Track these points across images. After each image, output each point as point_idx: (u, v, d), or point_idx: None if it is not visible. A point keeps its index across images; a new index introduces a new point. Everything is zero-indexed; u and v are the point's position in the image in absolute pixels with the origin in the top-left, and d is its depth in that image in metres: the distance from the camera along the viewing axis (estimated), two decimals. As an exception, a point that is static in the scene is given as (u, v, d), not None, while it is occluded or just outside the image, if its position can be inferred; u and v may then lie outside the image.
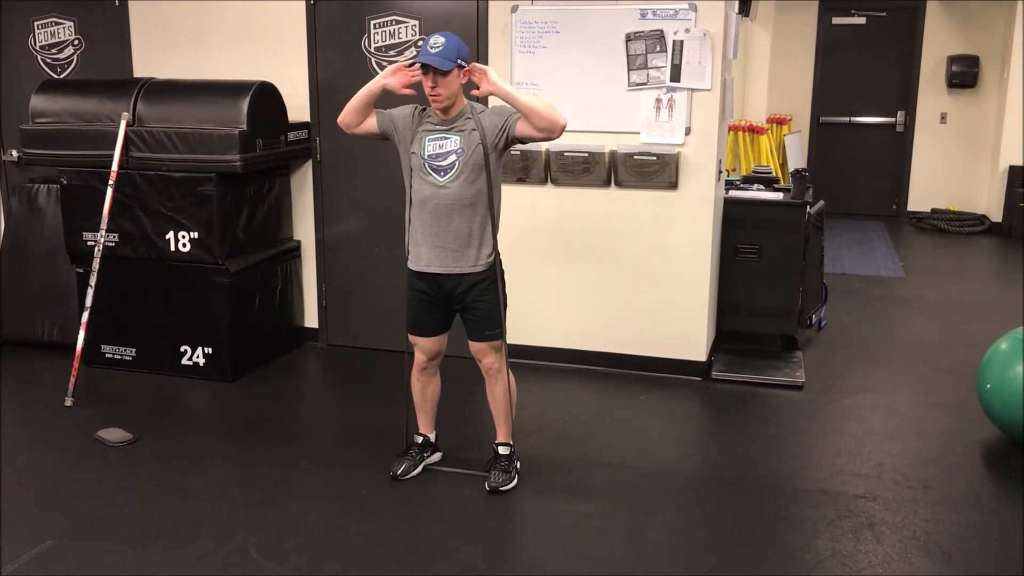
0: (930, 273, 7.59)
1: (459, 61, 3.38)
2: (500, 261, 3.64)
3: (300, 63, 5.23)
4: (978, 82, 9.58)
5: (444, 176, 3.47)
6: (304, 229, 5.46)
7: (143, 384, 4.93)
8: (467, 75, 3.43)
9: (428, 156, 3.48)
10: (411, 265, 3.62)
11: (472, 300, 3.58)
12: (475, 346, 3.66)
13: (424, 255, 3.56)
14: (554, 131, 3.39)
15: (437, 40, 3.38)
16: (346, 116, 3.61)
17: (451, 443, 4.03)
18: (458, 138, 3.46)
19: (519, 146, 4.85)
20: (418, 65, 3.41)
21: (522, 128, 3.41)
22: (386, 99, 3.58)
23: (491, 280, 3.58)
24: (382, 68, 5.07)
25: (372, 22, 5.08)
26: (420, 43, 4.99)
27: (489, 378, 3.70)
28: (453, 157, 3.46)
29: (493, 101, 3.85)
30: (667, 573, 3.15)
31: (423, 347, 3.72)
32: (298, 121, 5.21)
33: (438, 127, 3.49)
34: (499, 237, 3.63)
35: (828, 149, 10.34)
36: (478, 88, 3.44)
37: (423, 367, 3.77)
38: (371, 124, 3.60)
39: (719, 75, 4.63)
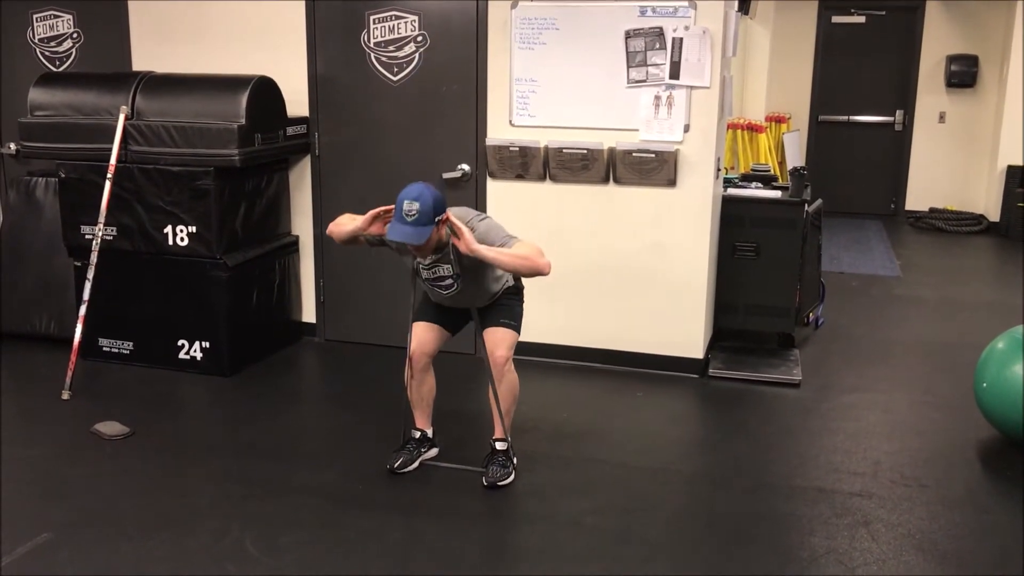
0: (927, 272, 7.60)
1: (436, 220, 3.32)
2: (520, 282, 3.80)
3: (299, 58, 5.23)
4: (977, 82, 9.59)
5: (447, 291, 3.60)
6: (302, 224, 5.46)
7: (140, 378, 4.93)
8: (445, 224, 3.38)
9: (426, 279, 3.61)
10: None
11: (490, 306, 3.71)
12: (490, 334, 3.66)
13: (441, 303, 3.73)
14: (541, 275, 3.46)
15: (411, 207, 3.26)
16: (333, 236, 3.66)
17: (448, 439, 4.03)
18: (449, 265, 3.52)
19: (518, 143, 4.88)
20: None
21: None
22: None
23: (509, 294, 3.72)
24: (381, 64, 5.09)
25: (371, 17, 5.07)
26: (420, 39, 4.98)
27: (496, 372, 3.68)
28: (450, 280, 3.56)
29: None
30: (662, 570, 3.16)
31: (422, 338, 3.72)
32: (297, 116, 5.20)
33: (429, 258, 3.52)
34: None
35: (827, 148, 10.34)
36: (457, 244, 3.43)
37: (416, 362, 3.76)
38: (359, 242, 3.63)
39: (718, 73, 4.63)
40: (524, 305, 3.80)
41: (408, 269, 3.69)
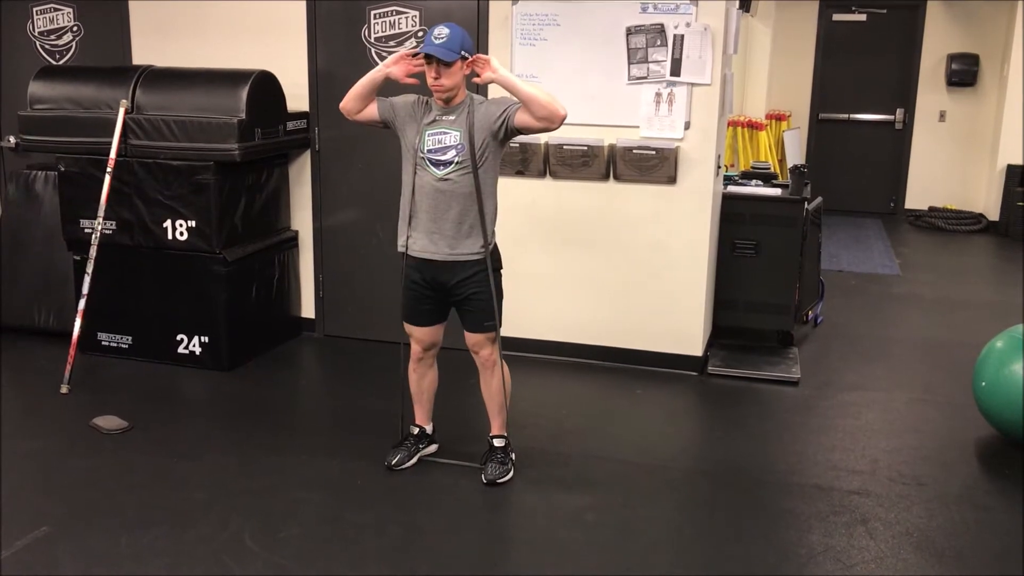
0: (927, 271, 7.60)
1: (463, 52, 3.38)
2: (498, 253, 3.65)
3: (300, 52, 5.22)
4: (977, 81, 9.58)
5: (442, 169, 3.47)
6: (302, 219, 5.45)
7: (139, 372, 4.93)
8: (470, 66, 3.43)
9: (427, 150, 3.48)
10: (405, 250, 3.61)
11: (468, 292, 3.57)
12: (471, 338, 3.66)
13: (419, 241, 3.55)
14: (554, 121, 3.38)
15: (442, 31, 3.37)
16: (348, 103, 3.60)
17: (447, 435, 4.03)
18: (457, 133, 3.46)
19: (518, 139, 4.86)
20: (421, 55, 3.40)
21: (521, 118, 3.40)
22: (389, 88, 3.57)
23: (486, 271, 3.57)
24: (382, 59, 5.07)
25: (372, 12, 5.06)
26: (420, 34, 4.99)
27: (484, 370, 3.71)
28: (452, 152, 3.46)
29: (493, 91, 3.84)
30: (661, 566, 3.16)
31: (418, 337, 3.73)
32: (297, 111, 5.20)
33: (438, 119, 3.48)
34: (498, 229, 3.63)
35: (827, 146, 10.34)
36: (479, 76, 3.44)
37: (419, 358, 3.77)
38: (372, 111, 3.59)
39: (719, 70, 4.63)
40: (508, 287, 3.72)
41: (406, 169, 3.57)
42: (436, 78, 3.38)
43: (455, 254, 3.53)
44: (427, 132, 3.49)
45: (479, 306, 3.59)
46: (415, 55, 3.46)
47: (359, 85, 3.55)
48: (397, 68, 3.50)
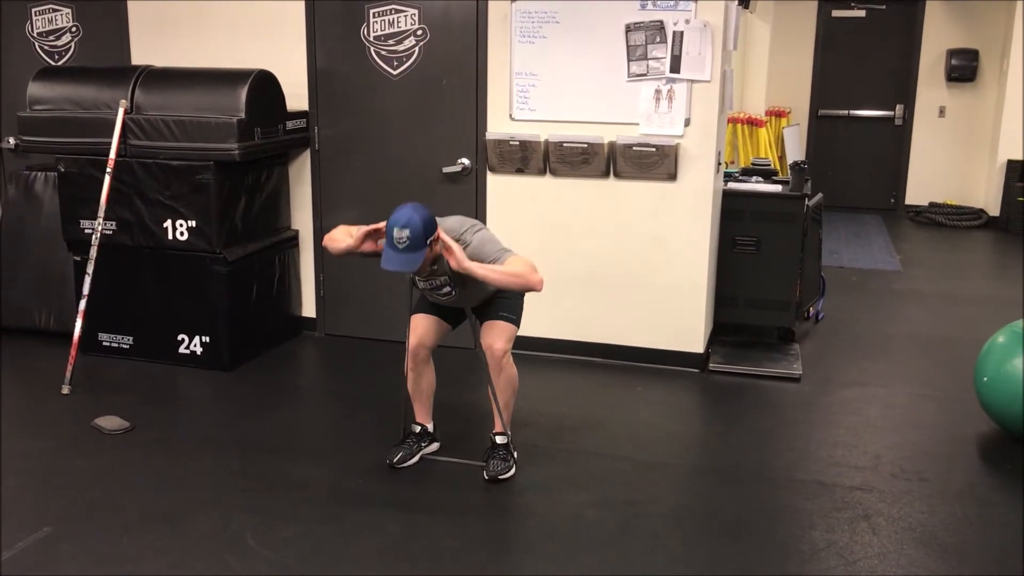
0: (927, 267, 7.60)
1: (428, 242, 3.30)
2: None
3: (299, 52, 5.22)
4: (977, 76, 9.58)
5: (446, 297, 3.62)
6: (302, 218, 5.45)
7: (140, 372, 4.93)
8: (437, 243, 3.35)
9: (424, 289, 3.63)
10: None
11: (490, 300, 3.70)
12: (488, 327, 3.66)
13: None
14: (533, 291, 3.44)
15: (402, 233, 3.24)
16: (328, 248, 3.64)
17: (448, 433, 4.03)
18: (445, 277, 3.54)
19: (518, 137, 4.87)
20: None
21: None
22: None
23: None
24: (381, 57, 5.09)
25: (371, 11, 5.06)
26: (420, 32, 4.98)
27: (494, 365, 3.67)
28: (447, 289, 3.58)
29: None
30: (663, 563, 3.16)
31: (420, 331, 3.72)
32: (297, 110, 5.20)
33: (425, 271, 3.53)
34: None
35: (827, 142, 10.34)
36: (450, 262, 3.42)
37: (415, 356, 3.76)
38: (357, 251, 3.59)
39: (719, 66, 4.62)
40: (524, 298, 3.79)
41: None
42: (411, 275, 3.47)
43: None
44: (418, 278, 3.59)
45: (499, 303, 3.68)
46: (379, 237, 3.43)
47: (335, 248, 3.58)
48: (367, 245, 3.49)
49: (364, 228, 3.47)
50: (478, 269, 3.33)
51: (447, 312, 3.76)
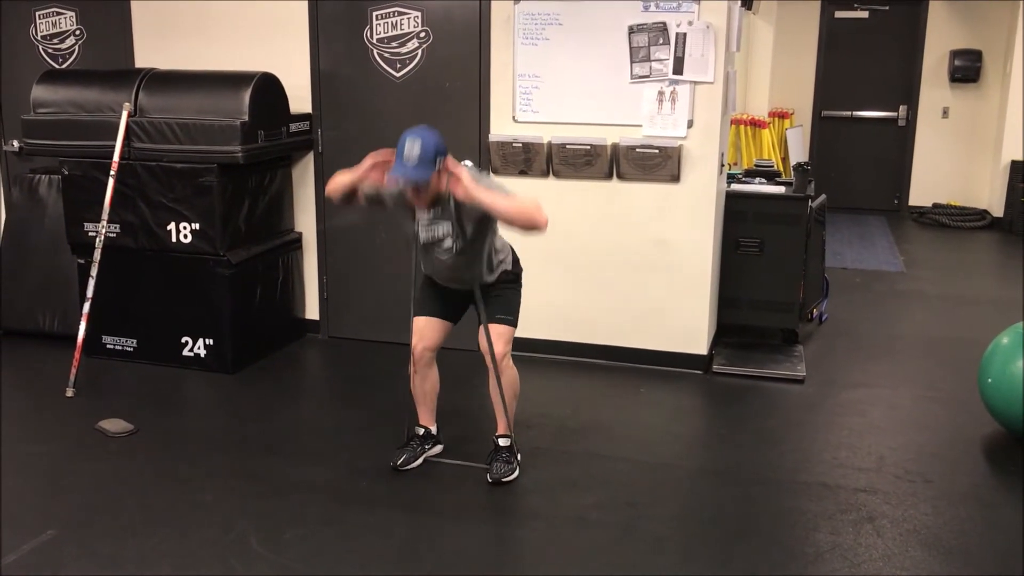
0: (931, 268, 7.59)
1: (436, 163, 3.29)
2: (519, 267, 3.75)
3: (302, 54, 5.22)
4: (980, 77, 9.57)
5: (445, 254, 3.55)
6: (305, 221, 5.45)
7: (144, 375, 4.93)
8: (446, 170, 3.34)
9: (424, 242, 3.55)
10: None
11: (488, 296, 3.65)
12: (491, 330, 3.64)
13: (440, 280, 3.68)
14: (535, 231, 3.36)
15: (412, 150, 3.24)
16: (332, 195, 3.61)
17: (452, 435, 4.03)
18: (448, 223, 3.47)
19: (521, 139, 4.87)
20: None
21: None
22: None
23: (507, 283, 3.67)
24: (384, 60, 5.09)
25: (374, 13, 5.06)
26: (423, 35, 4.98)
27: (494, 369, 3.69)
28: (448, 241, 3.51)
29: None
30: (667, 565, 3.16)
31: (424, 333, 3.71)
32: (300, 112, 5.20)
33: (426, 215, 3.50)
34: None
35: (830, 143, 10.33)
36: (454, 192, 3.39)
37: (419, 357, 3.75)
38: (358, 198, 3.58)
39: (722, 68, 4.62)
40: (523, 292, 3.76)
41: (408, 241, 3.63)
42: (417, 195, 3.37)
43: (476, 285, 3.62)
44: (420, 226, 3.53)
45: (496, 303, 3.65)
46: (386, 169, 3.39)
47: (339, 184, 3.54)
48: (373, 174, 3.45)
49: (370, 156, 3.43)
50: (485, 196, 3.28)
51: (448, 307, 3.72)
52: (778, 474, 3.83)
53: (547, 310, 5.09)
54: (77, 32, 5.74)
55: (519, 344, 4.89)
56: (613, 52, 4.72)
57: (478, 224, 3.46)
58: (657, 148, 4.71)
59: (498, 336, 3.63)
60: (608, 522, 3.42)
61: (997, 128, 9.44)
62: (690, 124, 4.69)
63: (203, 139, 4.71)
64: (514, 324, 3.69)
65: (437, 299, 3.73)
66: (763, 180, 5.57)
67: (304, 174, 5.40)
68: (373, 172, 3.44)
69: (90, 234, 4.95)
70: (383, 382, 4.80)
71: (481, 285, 3.61)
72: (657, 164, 4.74)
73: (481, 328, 3.66)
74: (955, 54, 9.56)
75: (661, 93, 4.69)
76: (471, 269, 3.58)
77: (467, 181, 3.27)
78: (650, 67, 4.69)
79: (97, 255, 4.76)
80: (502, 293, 3.67)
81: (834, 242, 8.12)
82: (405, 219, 3.59)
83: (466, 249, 3.51)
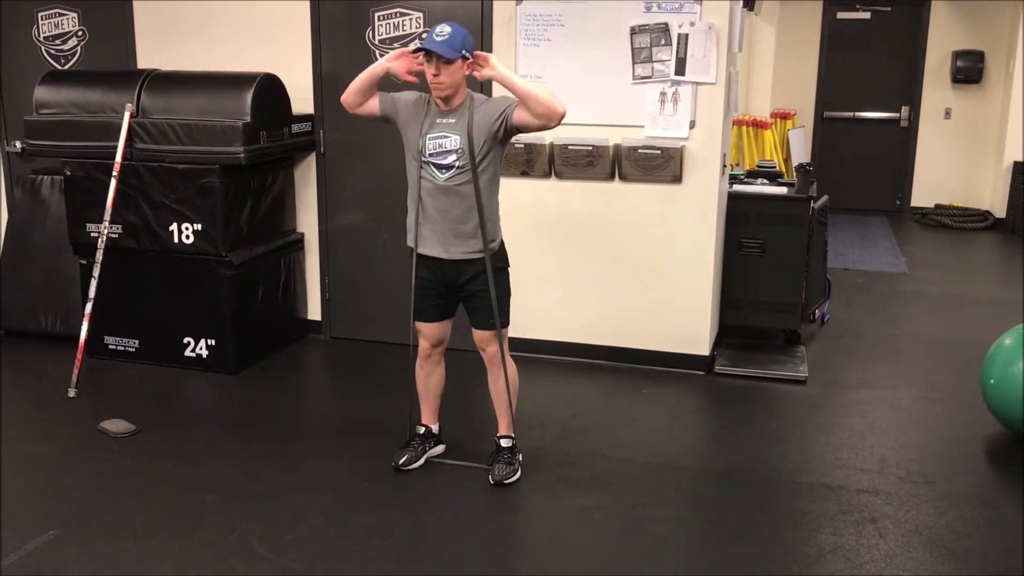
0: (933, 269, 7.58)
1: (463, 52, 3.37)
2: (504, 251, 3.65)
3: (304, 55, 5.23)
4: (983, 78, 9.56)
5: (444, 173, 3.47)
6: (307, 221, 5.46)
7: (146, 375, 4.94)
8: (470, 67, 3.42)
9: (429, 154, 3.48)
10: (414, 246, 3.62)
11: (474, 289, 3.59)
12: (478, 335, 3.66)
13: (428, 240, 3.57)
14: (552, 118, 3.36)
15: (443, 29, 3.37)
16: (348, 96, 3.60)
17: (454, 436, 4.03)
18: (457, 137, 3.44)
19: (523, 139, 4.87)
20: (422, 53, 3.40)
21: (520, 115, 3.39)
22: (390, 85, 3.58)
23: (494, 269, 3.58)
24: (386, 60, 5.08)
25: (376, 14, 5.07)
26: (424, 35, 4.98)
27: (491, 368, 3.71)
28: (453, 157, 3.45)
29: (498, 90, 3.83)
30: (669, 566, 3.15)
31: (427, 334, 3.72)
32: (302, 113, 5.20)
33: (438, 122, 3.48)
34: (504, 229, 3.63)
35: (832, 144, 10.32)
36: (478, 72, 3.43)
37: (427, 355, 3.77)
38: (373, 106, 3.59)
39: (724, 69, 4.62)
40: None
41: (409, 172, 3.57)
42: (436, 75, 3.37)
43: (461, 253, 3.54)
44: (428, 135, 3.48)
45: (484, 304, 3.60)
46: (416, 52, 3.45)
47: (359, 80, 3.55)
48: (398, 64, 3.50)
49: (397, 50, 3.52)
50: (509, 75, 3.40)
51: (442, 303, 3.67)
52: (780, 475, 3.82)
53: (549, 311, 5.09)
54: (79, 33, 5.74)
55: (520, 345, 4.91)
56: (615, 53, 4.72)
57: (487, 144, 3.44)
58: (659, 149, 4.71)
59: (490, 338, 3.64)
60: (610, 523, 3.42)
61: (999, 129, 9.43)
62: (692, 125, 4.69)
63: (205, 140, 4.72)
64: (505, 324, 3.67)
65: (432, 298, 3.67)
66: (765, 181, 5.56)
67: (306, 175, 5.40)
68: (398, 60, 3.50)
69: (92, 235, 4.95)
70: (385, 383, 4.80)
71: (473, 259, 3.54)
72: (659, 165, 4.74)
73: (473, 332, 3.66)
74: (957, 55, 9.55)
75: (663, 94, 4.69)
76: (463, 208, 3.48)
77: (491, 60, 3.41)
78: (652, 68, 4.69)
79: (99, 256, 4.76)
80: (485, 290, 3.57)
81: (836, 243, 8.11)
82: (412, 131, 3.51)
83: (468, 172, 3.45)
